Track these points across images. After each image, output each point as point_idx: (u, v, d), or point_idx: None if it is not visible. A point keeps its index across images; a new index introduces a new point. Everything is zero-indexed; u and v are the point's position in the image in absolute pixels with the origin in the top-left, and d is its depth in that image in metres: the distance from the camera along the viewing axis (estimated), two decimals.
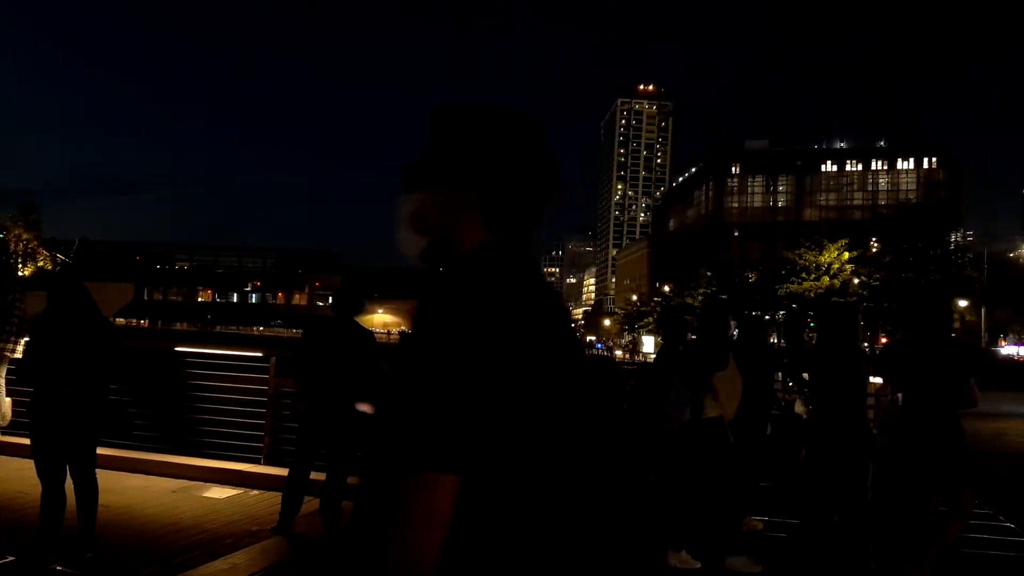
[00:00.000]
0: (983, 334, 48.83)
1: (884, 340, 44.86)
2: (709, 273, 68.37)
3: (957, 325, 56.49)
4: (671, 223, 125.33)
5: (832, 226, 74.94)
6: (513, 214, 1.10)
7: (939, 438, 4.15)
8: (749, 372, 4.92)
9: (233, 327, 78.07)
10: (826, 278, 53.68)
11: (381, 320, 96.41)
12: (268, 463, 6.64)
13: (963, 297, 45.40)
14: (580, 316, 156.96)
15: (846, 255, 54.22)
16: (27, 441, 4.06)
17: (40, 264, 78.55)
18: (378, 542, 0.92)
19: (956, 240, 54.32)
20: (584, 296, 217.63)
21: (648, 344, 70.27)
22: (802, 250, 56.27)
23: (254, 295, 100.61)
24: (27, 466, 4.15)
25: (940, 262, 45.90)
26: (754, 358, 5.22)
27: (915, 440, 4.19)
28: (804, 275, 54.83)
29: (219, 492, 6.06)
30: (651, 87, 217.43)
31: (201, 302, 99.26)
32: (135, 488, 6.03)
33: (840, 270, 54.01)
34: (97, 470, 4.18)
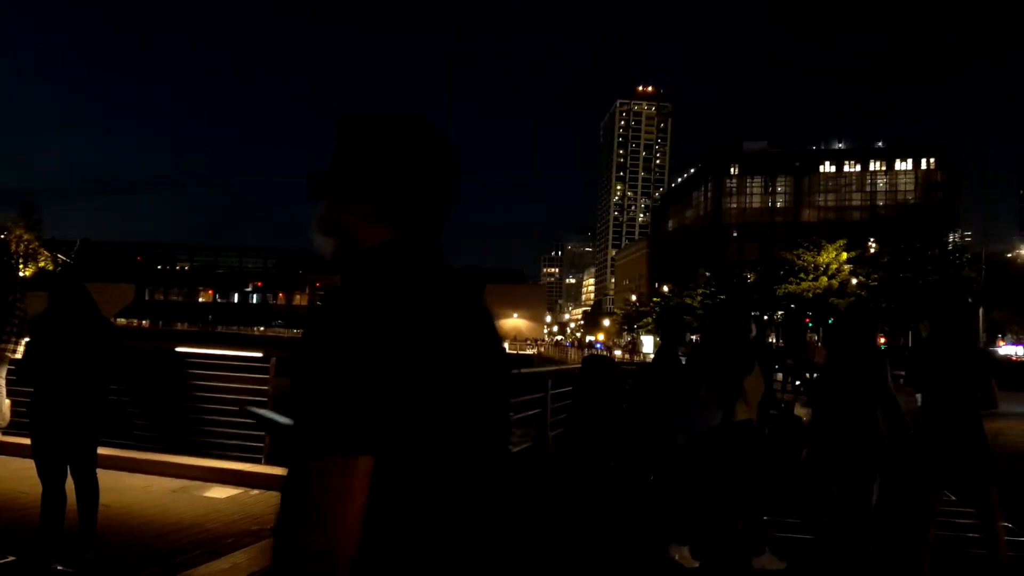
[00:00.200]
0: (981, 334, 48.85)
1: (882, 340, 44.88)
2: (708, 273, 68.36)
3: None
4: (670, 224, 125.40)
5: (830, 227, 75.03)
6: (411, 215, 1.17)
7: (963, 439, 4.11)
8: None
9: (234, 327, 78.01)
10: (824, 278, 53.70)
11: None
12: (268, 463, 6.64)
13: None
14: (580, 316, 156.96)
15: (844, 255, 54.24)
16: (27, 441, 4.06)
17: (41, 264, 78.53)
18: (298, 527, 0.97)
19: (954, 240, 54.43)
20: (583, 296, 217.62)
21: (647, 344, 70.25)
22: (800, 250, 56.29)
23: (255, 295, 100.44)
24: (27, 466, 4.15)
25: (938, 262, 45.92)
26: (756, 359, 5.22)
27: (938, 441, 4.15)
28: (802, 275, 54.85)
29: (219, 492, 6.06)
30: (650, 88, 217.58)
31: (202, 302, 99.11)
32: (136, 488, 6.04)
33: (838, 270, 54.03)
34: (98, 470, 4.18)
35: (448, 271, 1.17)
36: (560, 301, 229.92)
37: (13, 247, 75.02)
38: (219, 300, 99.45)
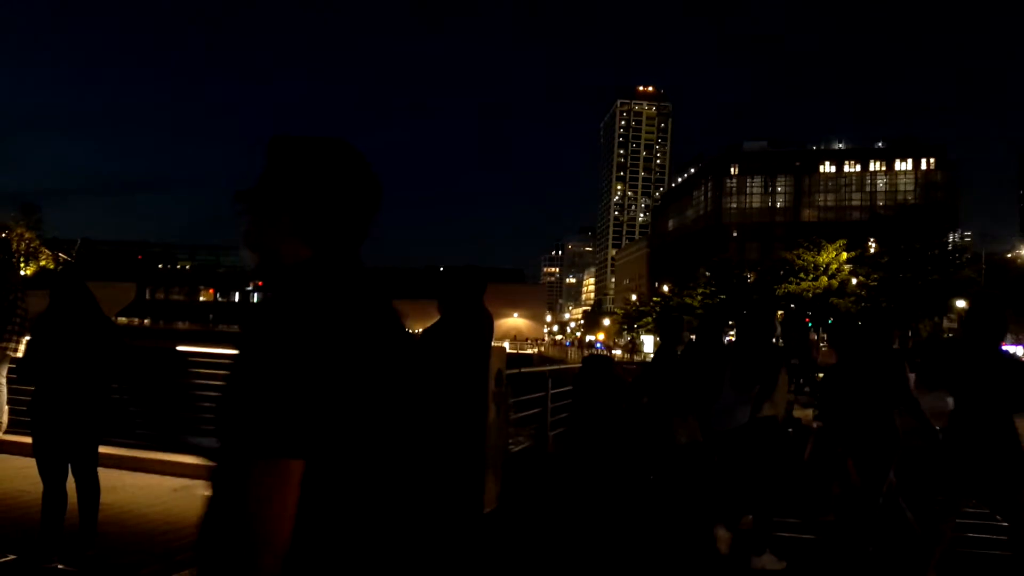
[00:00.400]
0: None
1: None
2: (708, 273, 68.36)
3: (955, 326, 56.66)
4: (670, 223, 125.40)
5: (830, 226, 74.98)
6: (329, 233, 1.24)
7: (997, 442, 4.07)
8: None
9: (235, 326, 77.97)
10: (824, 278, 53.73)
11: None
12: None
13: (961, 298, 45.45)
14: (580, 316, 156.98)
15: (844, 255, 54.27)
16: (29, 440, 4.07)
17: (42, 263, 78.45)
18: (227, 528, 1.02)
19: (954, 240, 54.45)
20: (583, 296, 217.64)
21: (648, 344, 70.25)
22: (800, 250, 56.32)
23: (256, 294, 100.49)
24: (29, 464, 4.16)
25: (938, 262, 45.97)
26: None
27: (971, 443, 4.08)
28: (802, 275, 54.87)
29: None
30: (650, 88, 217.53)
31: (203, 301, 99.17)
32: (137, 486, 6.04)
33: (838, 270, 54.06)
34: (99, 468, 4.19)
35: (364, 284, 1.25)
36: (560, 301, 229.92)
37: (14, 246, 74.98)
38: (220, 299, 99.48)
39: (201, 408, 7.30)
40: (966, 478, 4.10)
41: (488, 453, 3.72)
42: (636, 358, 47.92)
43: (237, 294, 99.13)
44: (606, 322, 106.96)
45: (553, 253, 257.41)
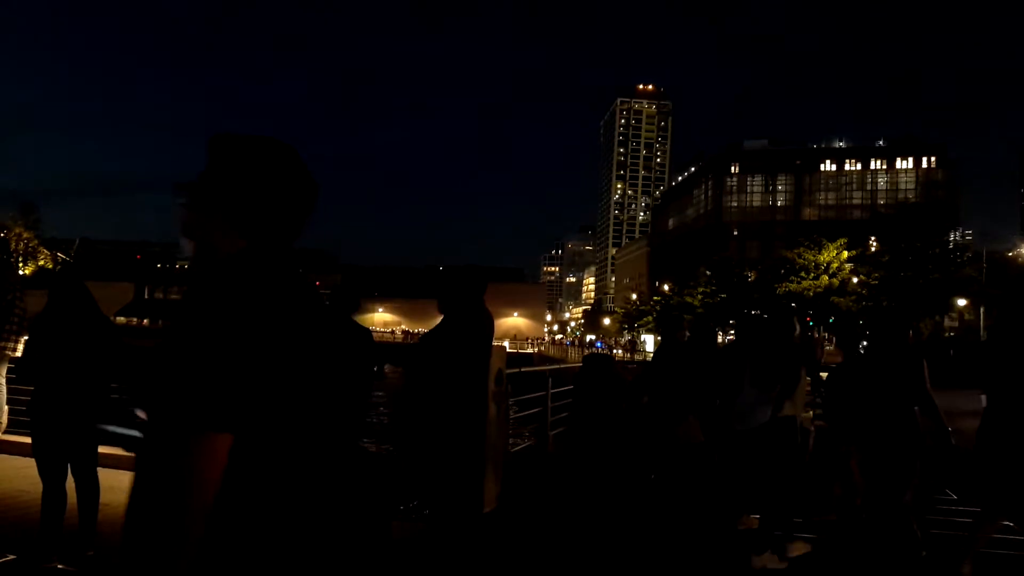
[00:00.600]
0: (982, 333, 48.84)
1: None
2: (708, 272, 68.35)
3: (956, 324, 56.65)
4: (670, 222, 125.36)
5: (831, 225, 75.00)
6: (262, 228, 1.31)
7: None
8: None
9: None
10: (825, 277, 53.71)
11: (381, 319, 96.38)
12: None
13: (962, 296, 45.42)
14: (580, 315, 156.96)
15: (845, 254, 54.25)
16: (28, 440, 4.06)
17: (40, 263, 78.47)
18: (152, 501, 1.07)
19: (955, 239, 54.44)
20: (584, 295, 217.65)
21: (648, 343, 70.24)
22: (801, 249, 56.29)
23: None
24: (28, 464, 4.15)
25: (939, 261, 45.94)
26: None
27: (1006, 442, 4.06)
28: (803, 274, 54.85)
29: None
30: (650, 87, 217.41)
31: None
32: None
33: (839, 269, 54.04)
34: (98, 468, 4.17)
35: (292, 275, 1.31)
36: (560, 300, 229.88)
37: (12, 245, 74.99)
38: None
39: None
40: (1004, 475, 4.03)
41: (488, 453, 3.70)
42: (636, 357, 47.89)
43: None
44: (606, 321, 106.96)
45: (553, 252, 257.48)
